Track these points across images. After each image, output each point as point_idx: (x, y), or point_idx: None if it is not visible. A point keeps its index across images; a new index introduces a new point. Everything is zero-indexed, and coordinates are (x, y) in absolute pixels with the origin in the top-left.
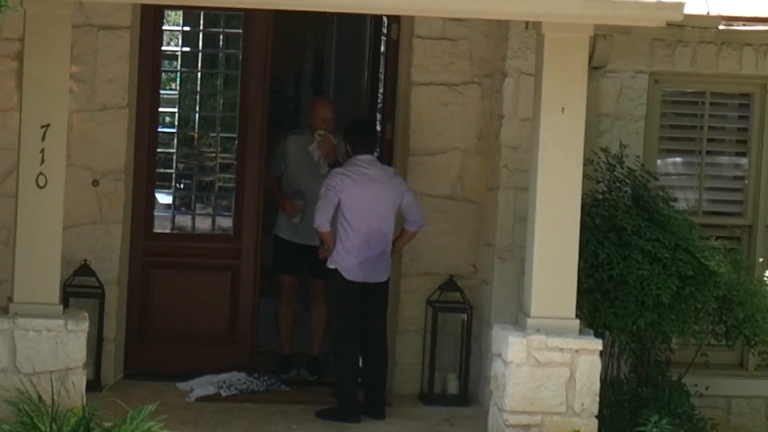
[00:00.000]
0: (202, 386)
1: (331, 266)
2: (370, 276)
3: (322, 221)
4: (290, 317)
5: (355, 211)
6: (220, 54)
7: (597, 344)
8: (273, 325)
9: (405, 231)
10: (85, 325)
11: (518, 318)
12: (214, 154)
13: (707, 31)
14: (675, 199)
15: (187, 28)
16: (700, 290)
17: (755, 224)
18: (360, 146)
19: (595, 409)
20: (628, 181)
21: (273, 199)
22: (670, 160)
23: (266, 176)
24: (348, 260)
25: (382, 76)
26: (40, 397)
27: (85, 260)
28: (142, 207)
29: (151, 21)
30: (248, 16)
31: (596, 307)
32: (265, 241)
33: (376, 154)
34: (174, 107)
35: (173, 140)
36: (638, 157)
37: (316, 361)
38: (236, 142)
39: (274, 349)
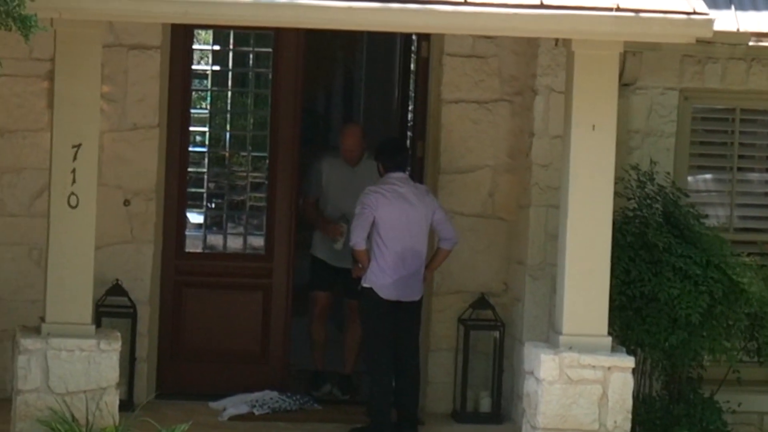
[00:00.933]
0: (234, 405)
1: (365, 285)
2: (404, 295)
3: (358, 239)
4: (323, 335)
5: (390, 230)
6: (251, 73)
7: (629, 361)
8: (305, 344)
9: (440, 250)
10: (117, 345)
11: (550, 335)
12: (245, 173)
13: (737, 47)
14: (706, 216)
15: (217, 47)
16: (731, 308)
17: None
18: (392, 164)
19: (628, 426)
20: (658, 198)
21: (313, 222)
22: (700, 176)
23: (303, 200)
24: (383, 279)
25: (412, 94)
26: (73, 417)
27: (117, 280)
28: (174, 226)
29: (181, 40)
30: (278, 34)
31: (628, 324)
32: (297, 259)
33: (407, 172)
34: (204, 126)
35: (204, 159)
36: (668, 173)
37: (349, 380)
38: (267, 160)
39: (307, 367)
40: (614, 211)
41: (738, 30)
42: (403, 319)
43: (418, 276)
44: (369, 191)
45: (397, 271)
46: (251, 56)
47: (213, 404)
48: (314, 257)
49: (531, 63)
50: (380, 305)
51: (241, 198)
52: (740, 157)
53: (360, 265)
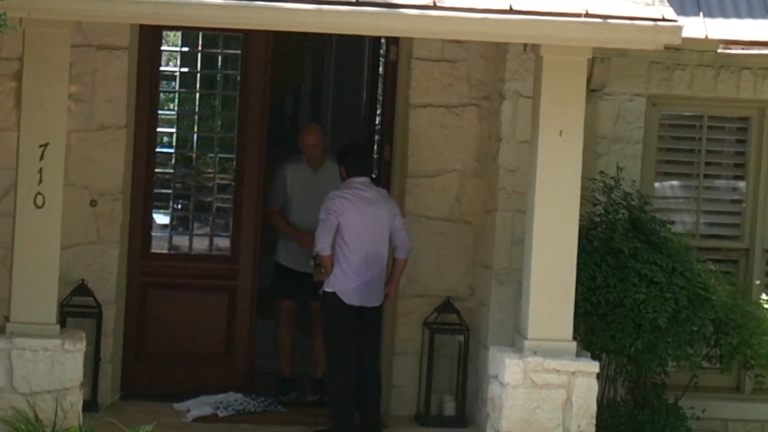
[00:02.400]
0: (198, 407)
1: (328, 290)
2: (368, 300)
3: (324, 245)
4: (289, 341)
5: (354, 234)
6: (219, 74)
7: (594, 366)
8: (270, 346)
9: (397, 260)
10: (82, 345)
11: (515, 340)
12: (212, 175)
13: (705, 54)
14: (672, 222)
15: (185, 49)
16: (696, 313)
17: (752, 248)
18: (356, 169)
19: (592, 431)
20: (625, 204)
21: (282, 231)
22: (667, 183)
23: (268, 209)
24: (346, 284)
25: (380, 98)
26: (37, 417)
27: (83, 280)
28: (140, 227)
29: (149, 41)
30: (247, 37)
31: (593, 329)
32: (262, 262)
33: (372, 176)
34: (172, 127)
35: (171, 160)
36: (635, 180)
37: (321, 384)
38: (234, 162)
39: (273, 371)
40: (581, 217)
41: (706, 37)
42: (365, 324)
43: (381, 281)
44: (333, 196)
45: (361, 276)
46: (220, 58)
47: (177, 405)
48: (278, 264)
49: (499, 68)
50: (343, 310)
51: (208, 199)
52: (707, 164)
53: (323, 270)
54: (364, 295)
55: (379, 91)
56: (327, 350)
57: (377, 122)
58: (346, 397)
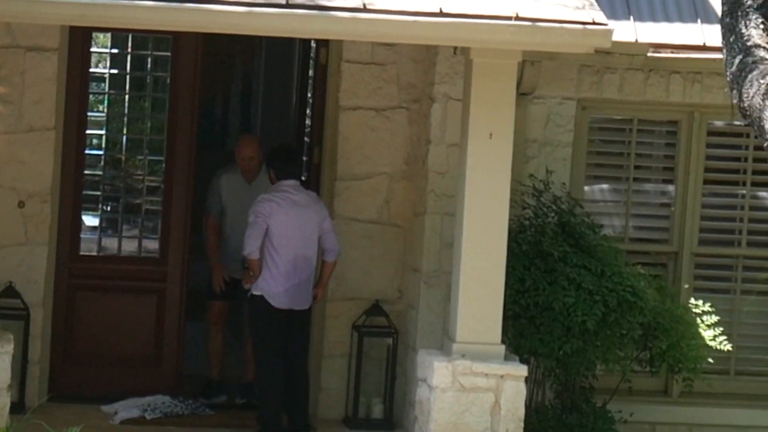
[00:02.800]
0: (126, 409)
1: (256, 293)
2: (296, 303)
3: (252, 249)
4: (219, 343)
5: (283, 238)
6: (149, 76)
7: (522, 370)
8: (199, 349)
9: (326, 264)
10: (9, 347)
11: (444, 343)
12: (141, 177)
13: (635, 58)
14: (601, 226)
15: (115, 51)
16: (625, 317)
17: (681, 251)
18: (285, 172)
19: None
20: (554, 207)
21: (208, 251)
22: (597, 186)
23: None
24: (275, 287)
25: (310, 100)
26: None
27: (11, 282)
28: (69, 229)
29: (79, 43)
30: (177, 38)
31: (522, 333)
32: (191, 264)
33: (302, 178)
34: (101, 129)
35: (100, 162)
36: (564, 183)
37: (250, 387)
38: (164, 164)
39: (202, 373)
40: (510, 220)
41: (636, 41)
42: (293, 327)
43: (309, 284)
44: (262, 199)
45: (289, 279)
46: (149, 60)
47: (105, 408)
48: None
49: (429, 71)
50: (271, 313)
51: (137, 201)
52: (636, 167)
53: (251, 273)
54: (292, 298)
55: (309, 93)
56: (255, 353)
57: (307, 124)
58: (273, 400)
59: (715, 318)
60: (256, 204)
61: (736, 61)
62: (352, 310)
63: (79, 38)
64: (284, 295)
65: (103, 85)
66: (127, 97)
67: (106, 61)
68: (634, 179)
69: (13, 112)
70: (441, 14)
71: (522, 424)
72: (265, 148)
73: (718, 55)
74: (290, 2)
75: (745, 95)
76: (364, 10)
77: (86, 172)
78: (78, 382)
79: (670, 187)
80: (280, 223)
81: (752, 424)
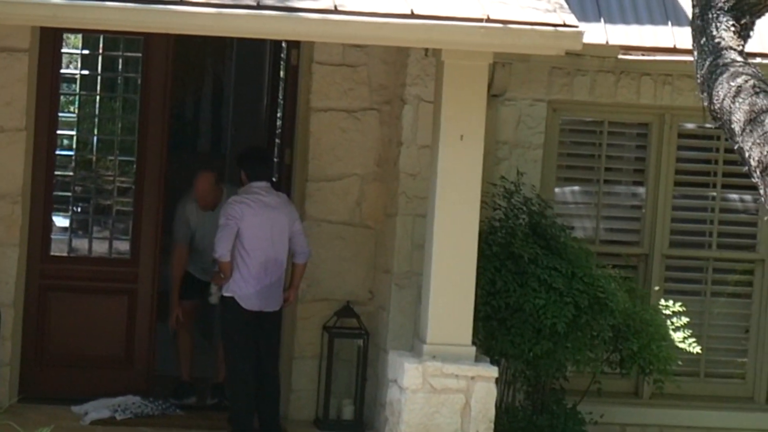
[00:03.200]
0: (96, 410)
1: (227, 294)
2: (267, 305)
3: (224, 251)
4: (188, 343)
5: (254, 239)
6: (120, 77)
7: (493, 371)
8: (170, 350)
9: (296, 266)
10: None
11: (414, 344)
12: (112, 178)
13: (606, 60)
14: (572, 228)
15: (86, 51)
16: (595, 319)
17: (651, 253)
18: (256, 173)
19: None
20: (525, 209)
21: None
22: (568, 188)
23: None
24: (246, 289)
25: (281, 101)
26: None
27: None
28: (39, 230)
29: (50, 44)
30: (148, 40)
31: (492, 334)
32: (162, 265)
33: (272, 180)
34: (72, 130)
35: (71, 163)
36: (534, 186)
37: (222, 388)
38: (135, 165)
39: (173, 373)
40: (481, 222)
41: (607, 43)
42: (264, 328)
43: (280, 285)
44: (233, 202)
45: (260, 281)
46: (120, 61)
47: (75, 408)
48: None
49: (400, 72)
50: (242, 315)
51: (108, 202)
52: (607, 169)
53: (222, 275)
54: (263, 300)
55: (280, 94)
56: (225, 355)
57: (278, 126)
58: (244, 402)
59: (685, 319)
60: (227, 206)
61: (707, 63)
62: (323, 311)
63: (50, 39)
64: (255, 296)
65: (74, 86)
66: (98, 98)
67: (77, 62)
68: (605, 181)
69: None
70: (412, 16)
71: (492, 426)
72: (231, 146)
73: (689, 58)
74: (260, 3)
75: (716, 97)
76: (335, 11)
77: (57, 172)
78: (49, 382)
79: (641, 189)
80: (251, 225)
81: (722, 426)
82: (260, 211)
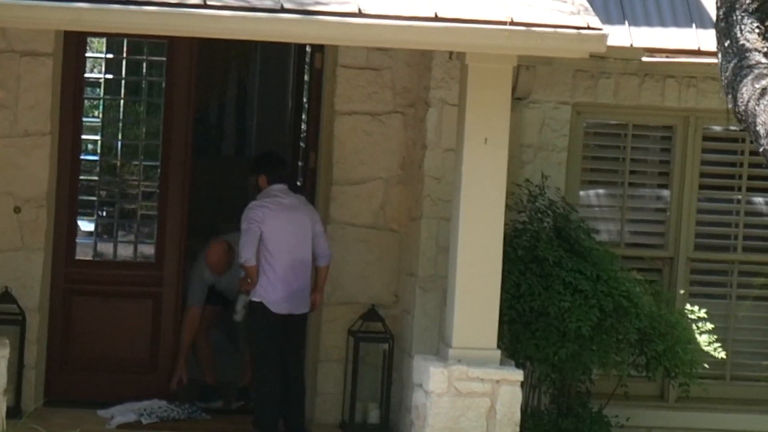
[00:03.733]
0: (122, 413)
1: (255, 299)
2: (296, 307)
3: (249, 255)
4: (206, 349)
5: (278, 242)
6: (144, 81)
7: (518, 375)
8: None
9: (319, 269)
10: (5, 352)
11: (440, 348)
12: (136, 182)
13: (630, 62)
14: (597, 231)
15: (110, 55)
16: (621, 322)
17: (676, 256)
18: (275, 176)
19: None
20: (549, 212)
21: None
22: (592, 191)
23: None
24: (274, 293)
25: (305, 105)
26: None
27: (6, 287)
28: (64, 234)
29: (74, 48)
30: (172, 43)
31: (517, 337)
32: (187, 268)
33: (299, 183)
34: (97, 134)
35: (96, 167)
36: (559, 188)
37: (247, 391)
38: (159, 170)
39: (198, 377)
40: (505, 225)
41: (631, 45)
42: (290, 331)
43: (307, 287)
44: (253, 206)
45: (288, 284)
46: (144, 65)
47: (101, 412)
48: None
49: (424, 75)
50: (271, 319)
51: (133, 206)
52: (631, 172)
53: (249, 281)
54: (292, 303)
55: (305, 98)
56: (252, 359)
57: (302, 129)
58: (270, 405)
59: (710, 325)
60: (248, 211)
61: (731, 65)
62: (347, 314)
63: (73, 43)
64: (284, 300)
65: (98, 90)
66: (122, 102)
67: (101, 66)
68: (630, 184)
69: (8, 117)
70: (436, 19)
71: (518, 429)
72: (255, 149)
73: (713, 60)
74: (285, 7)
75: (740, 100)
76: (359, 15)
77: (81, 177)
78: (74, 386)
79: (666, 192)
80: (274, 227)
81: (747, 429)
82: (281, 213)
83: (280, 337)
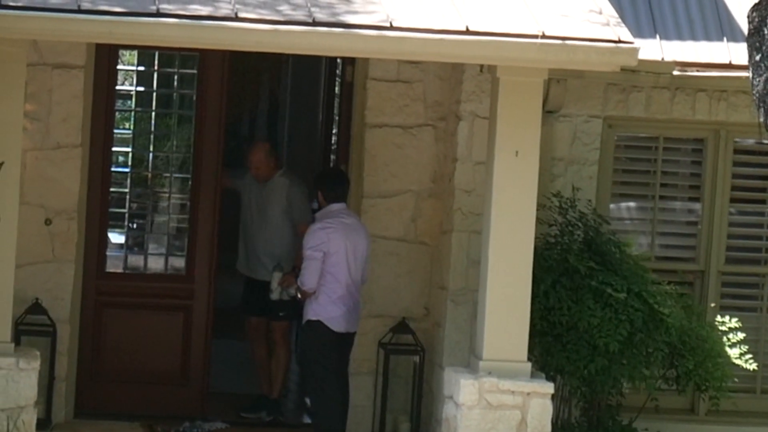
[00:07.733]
0: None
1: (312, 318)
2: (351, 326)
3: (311, 284)
4: (263, 357)
5: (340, 264)
6: (175, 94)
7: (549, 388)
8: (228, 366)
9: None
10: (36, 364)
11: (470, 361)
12: (167, 194)
13: (661, 76)
14: (628, 245)
15: (141, 68)
16: (651, 336)
17: (707, 270)
18: (334, 195)
19: None
20: (580, 225)
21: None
22: (623, 204)
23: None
24: (333, 312)
25: (336, 118)
26: None
27: (37, 299)
28: (95, 246)
29: (105, 60)
30: (203, 56)
31: (548, 350)
32: (219, 281)
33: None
34: (128, 147)
35: (126, 180)
36: (590, 201)
37: (276, 404)
38: (190, 182)
39: (229, 389)
40: (536, 238)
41: (662, 59)
42: (344, 349)
43: (359, 306)
44: (316, 230)
45: (346, 303)
46: (176, 77)
47: None
48: (243, 275)
49: (456, 88)
50: (330, 337)
51: (163, 219)
52: (662, 185)
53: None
54: (349, 321)
55: (336, 111)
56: (311, 379)
57: (333, 142)
58: (337, 424)
59: (741, 335)
60: (311, 234)
61: (763, 79)
62: (378, 327)
63: (105, 56)
64: (342, 318)
65: (129, 102)
66: (153, 114)
67: (132, 78)
68: (661, 197)
69: (40, 129)
70: (467, 32)
71: None
72: (286, 161)
73: (745, 74)
74: (316, 20)
75: None
76: (391, 28)
77: (112, 189)
78: (104, 398)
79: (697, 205)
80: (338, 248)
81: None
82: (344, 235)
83: (334, 355)
